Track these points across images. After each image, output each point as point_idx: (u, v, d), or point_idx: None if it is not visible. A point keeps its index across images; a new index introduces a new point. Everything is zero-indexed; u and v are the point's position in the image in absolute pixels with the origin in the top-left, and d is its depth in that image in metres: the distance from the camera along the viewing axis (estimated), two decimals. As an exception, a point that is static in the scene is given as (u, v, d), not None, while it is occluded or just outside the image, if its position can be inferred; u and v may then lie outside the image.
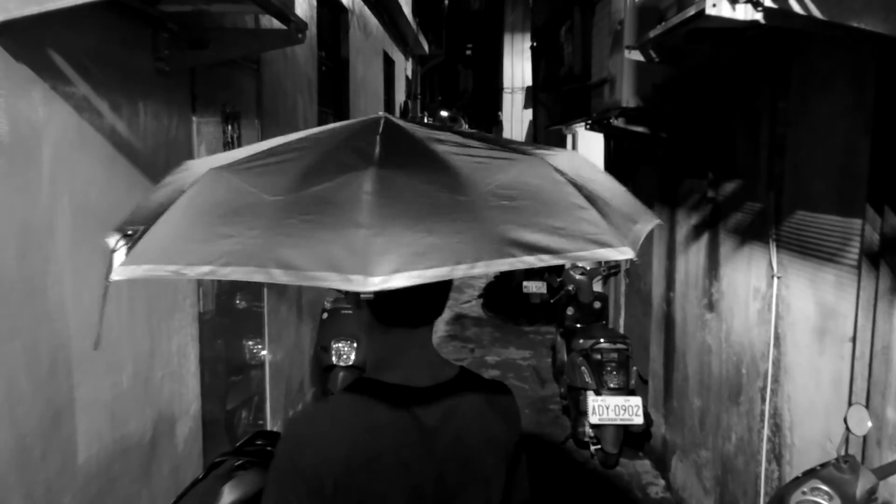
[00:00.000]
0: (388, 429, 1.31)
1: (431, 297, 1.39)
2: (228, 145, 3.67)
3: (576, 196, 1.26)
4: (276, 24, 3.10)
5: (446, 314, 8.22)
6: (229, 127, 3.67)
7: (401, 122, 1.46)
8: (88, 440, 2.38)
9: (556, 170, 1.31)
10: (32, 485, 2.10)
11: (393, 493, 1.30)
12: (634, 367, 5.11)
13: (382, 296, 1.23)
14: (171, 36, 2.77)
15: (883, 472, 2.03)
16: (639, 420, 4.70)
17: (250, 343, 4.20)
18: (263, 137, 4.14)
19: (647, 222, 1.43)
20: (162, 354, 2.91)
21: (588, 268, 6.23)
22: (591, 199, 1.29)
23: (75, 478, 2.30)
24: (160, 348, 2.89)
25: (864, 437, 2.32)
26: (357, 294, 1.30)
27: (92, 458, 2.40)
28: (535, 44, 10.74)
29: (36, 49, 2.12)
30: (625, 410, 4.72)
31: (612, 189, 1.46)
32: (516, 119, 16.62)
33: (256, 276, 1.12)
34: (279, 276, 1.11)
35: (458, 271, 1.12)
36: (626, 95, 4.00)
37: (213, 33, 2.93)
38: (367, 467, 1.28)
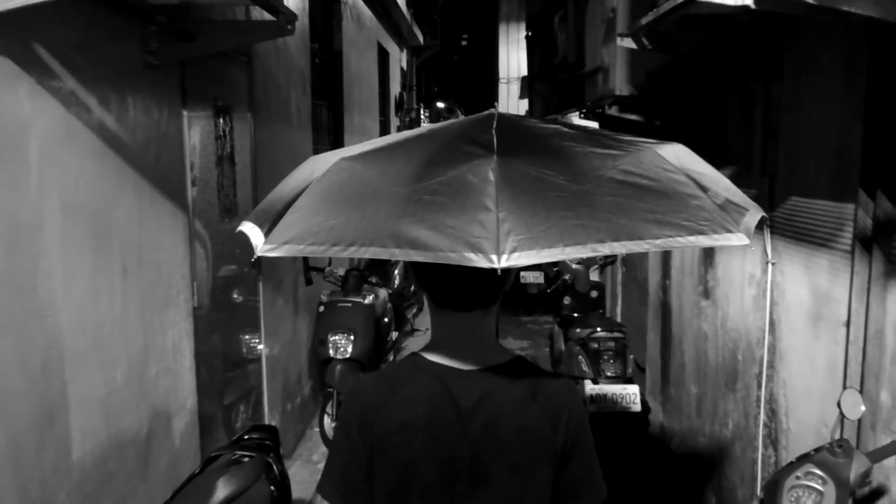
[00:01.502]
0: (421, 402, 1.41)
1: (470, 282, 1.41)
2: (220, 139, 3.65)
3: (489, 198, 1.26)
4: (267, 15, 3.08)
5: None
6: (221, 120, 3.65)
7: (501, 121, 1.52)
8: (83, 437, 2.37)
9: (496, 168, 1.32)
10: (27, 483, 2.09)
11: (424, 462, 1.39)
12: (631, 356, 5.10)
13: (426, 279, 1.48)
14: (160, 29, 2.75)
15: (877, 456, 2.03)
16: (636, 408, 4.70)
17: (247, 337, 4.19)
18: (256, 131, 4.12)
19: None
20: (156, 350, 2.90)
21: (584, 256, 6.23)
22: (515, 201, 1.27)
23: (70, 475, 2.30)
24: (154, 344, 2.89)
25: (859, 421, 2.32)
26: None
27: (87, 454, 2.39)
28: (529, 33, 10.71)
29: (21, 43, 2.10)
30: (622, 398, 4.72)
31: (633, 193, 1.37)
32: (512, 109, 16.58)
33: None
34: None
35: (332, 251, 1.30)
36: (620, 83, 3.98)
37: (202, 26, 2.91)
38: (399, 434, 1.40)
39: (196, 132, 3.32)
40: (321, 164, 1.55)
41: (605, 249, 1.24)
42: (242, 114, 3.96)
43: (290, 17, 2.81)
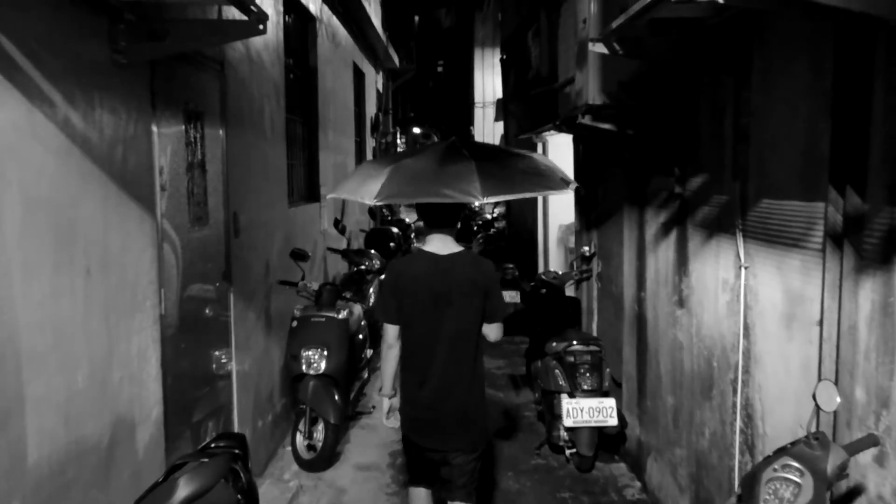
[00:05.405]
0: (422, 267, 3.17)
1: (441, 215, 3.20)
2: (191, 146, 3.60)
3: (475, 177, 2.97)
4: (239, 16, 3.05)
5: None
6: (192, 126, 3.59)
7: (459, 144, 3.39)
8: (40, 441, 2.27)
9: (475, 165, 3.07)
10: (-23, 486, 2.00)
11: (423, 295, 3.13)
12: (608, 370, 5.08)
13: (425, 213, 3.24)
14: (129, 27, 2.71)
15: (853, 448, 2.02)
16: (613, 421, 4.67)
17: (217, 352, 4.08)
18: (229, 140, 4.07)
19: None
20: (120, 355, 2.81)
21: (560, 272, 6.24)
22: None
23: (24, 480, 2.19)
24: (118, 349, 2.80)
25: (835, 418, 2.31)
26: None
27: (43, 459, 2.29)
28: (504, 56, 10.82)
29: (-19, 32, 2.05)
30: (599, 412, 4.68)
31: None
32: (488, 132, 16.70)
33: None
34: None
35: (409, 199, 3.46)
36: (593, 93, 4.01)
37: (173, 25, 2.87)
38: (411, 283, 3.16)
39: (165, 136, 3.26)
40: (380, 163, 3.33)
41: (516, 196, 3.19)
42: (214, 121, 3.91)
43: (262, 16, 2.79)
